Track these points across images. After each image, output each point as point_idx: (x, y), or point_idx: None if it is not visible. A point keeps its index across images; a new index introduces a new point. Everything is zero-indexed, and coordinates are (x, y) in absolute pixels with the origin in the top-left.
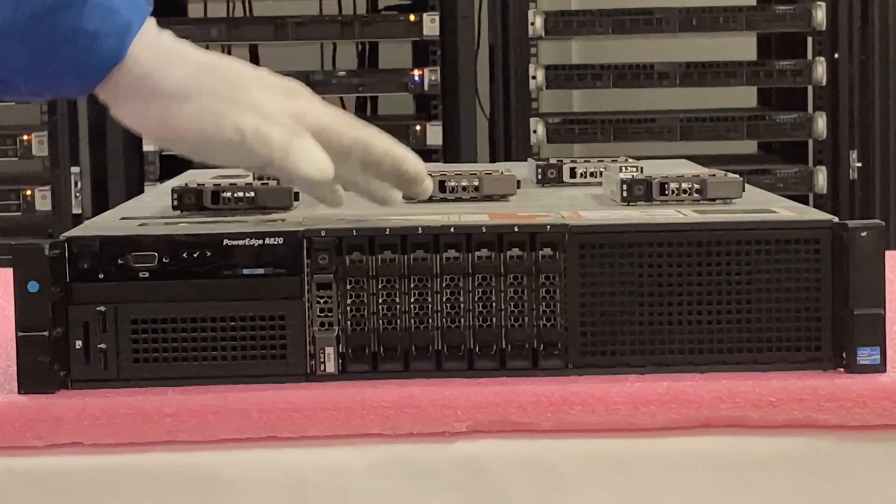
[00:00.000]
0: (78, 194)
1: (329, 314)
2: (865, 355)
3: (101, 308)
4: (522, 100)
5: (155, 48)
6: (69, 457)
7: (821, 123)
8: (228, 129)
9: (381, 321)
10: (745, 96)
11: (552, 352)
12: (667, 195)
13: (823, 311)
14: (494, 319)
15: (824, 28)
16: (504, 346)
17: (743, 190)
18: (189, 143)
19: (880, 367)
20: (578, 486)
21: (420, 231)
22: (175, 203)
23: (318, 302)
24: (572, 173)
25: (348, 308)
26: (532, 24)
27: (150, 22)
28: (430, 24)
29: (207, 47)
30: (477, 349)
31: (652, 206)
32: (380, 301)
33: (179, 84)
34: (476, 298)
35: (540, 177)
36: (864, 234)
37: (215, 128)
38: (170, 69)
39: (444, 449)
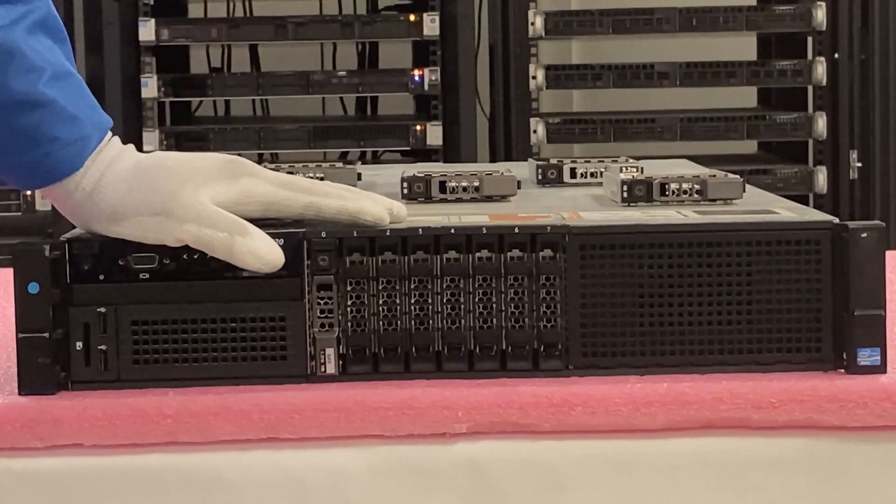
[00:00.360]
0: None
1: (329, 315)
2: (866, 356)
3: (102, 309)
4: (522, 100)
5: (96, 171)
6: (69, 458)
7: (821, 123)
8: (170, 240)
9: (381, 322)
10: (745, 96)
11: (553, 353)
12: (667, 196)
13: (824, 312)
14: (495, 320)
15: (824, 28)
16: (504, 348)
17: (743, 190)
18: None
19: (880, 368)
20: (579, 487)
21: (420, 232)
22: None
23: (319, 303)
24: (572, 173)
25: (349, 309)
26: (532, 24)
27: (108, 137)
28: (430, 24)
29: (207, 47)
30: (477, 350)
31: (652, 206)
32: (380, 302)
33: (112, 206)
34: (476, 299)
35: (540, 177)
36: (864, 234)
37: (156, 240)
38: (103, 190)
39: (445, 450)
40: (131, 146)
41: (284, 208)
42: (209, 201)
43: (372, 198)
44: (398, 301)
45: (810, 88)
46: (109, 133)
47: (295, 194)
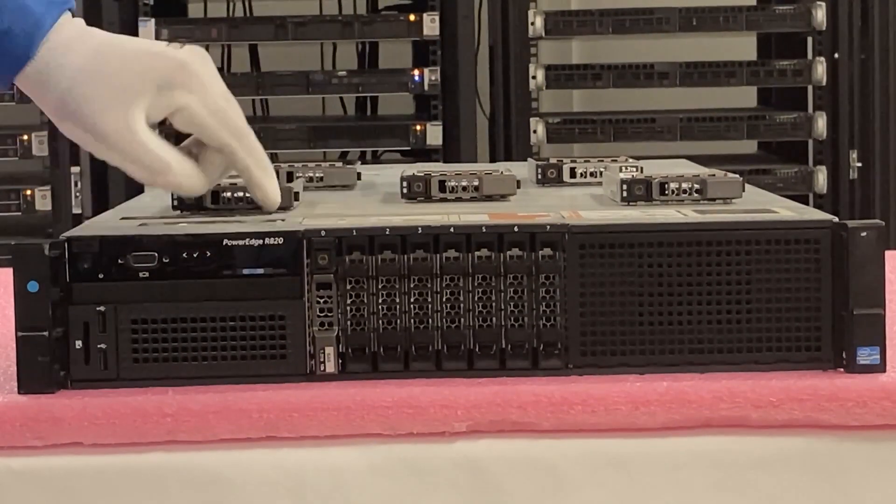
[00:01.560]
0: (78, 194)
1: (329, 314)
2: (865, 355)
3: (101, 308)
4: (522, 100)
5: (51, 52)
6: (69, 457)
7: (821, 123)
8: (100, 156)
9: (381, 321)
10: (745, 96)
11: (552, 352)
12: (667, 195)
13: (823, 311)
14: (494, 319)
15: (824, 28)
16: (504, 346)
17: (743, 190)
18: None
19: (880, 367)
20: (578, 485)
21: (420, 231)
22: (175, 203)
23: (318, 302)
24: (572, 173)
25: (348, 308)
26: (532, 24)
27: (66, 18)
28: (430, 24)
29: (207, 47)
30: (477, 349)
31: (652, 206)
32: (380, 301)
33: (53, 105)
34: (476, 298)
35: (540, 177)
36: (864, 234)
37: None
38: (48, 89)
39: (444, 449)
40: (94, 30)
41: (207, 134)
42: (139, 120)
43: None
44: (398, 300)
45: (810, 88)
46: (69, 14)
47: (220, 130)
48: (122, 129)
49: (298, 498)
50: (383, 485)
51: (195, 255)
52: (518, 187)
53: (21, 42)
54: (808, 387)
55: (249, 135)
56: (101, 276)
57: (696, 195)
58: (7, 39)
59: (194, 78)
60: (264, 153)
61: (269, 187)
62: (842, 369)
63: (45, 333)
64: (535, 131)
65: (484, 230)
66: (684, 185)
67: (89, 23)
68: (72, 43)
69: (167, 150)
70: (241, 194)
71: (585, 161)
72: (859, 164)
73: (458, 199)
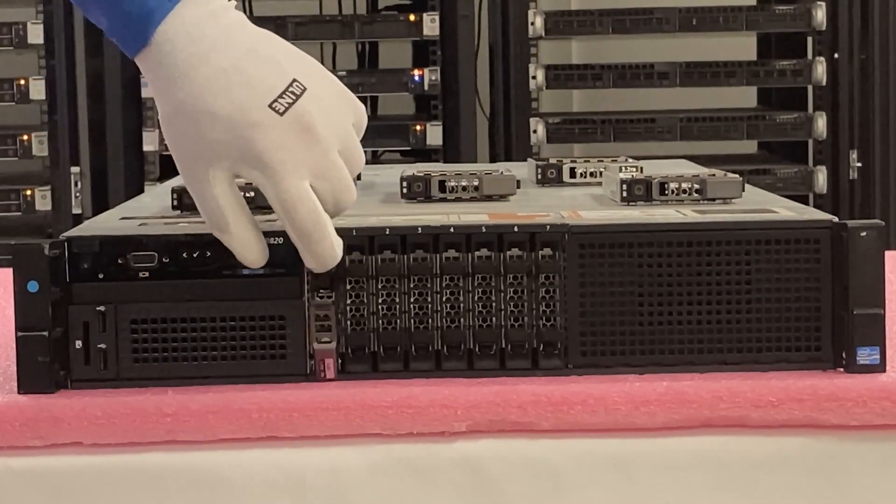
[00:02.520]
0: (78, 194)
1: (329, 314)
2: (865, 355)
3: (101, 308)
4: (522, 100)
5: (185, 34)
6: (69, 457)
7: (821, 123)
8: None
9: (380, 321)
10: (745, 96)
11: (552, 352)
12: (667, 195)
13: (823, 311)
14: (494, 319)
15: (824, 28)
16: (504, 346)
17: (743, 190)
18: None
19: (880, 367)
20: (578, 485)
21: (420, 231)
22: (175, 203)
23: (318, 302)
24: (572, 173)
25: (348, 308)
26: (532, 24)
27: (192, 3)
28: (430, 24)
29: None
30: (477, 349)
31: (652, 206)
32: (379, 301)
33: (163, 112)
34: (476, 298)
35: (540, 177)
36: (863, 234)
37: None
38: (168, 89)
39: (444, 449)
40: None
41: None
42: (213, 180)
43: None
44: (397, 300)
45: (810, 88)
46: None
47: (285, 224)
48: (204, 176)
49: (298, 498)
50: (383, 485)
51: (195, 255)
52: (518, 187)
53: (137, 29)
54: (807, 387)
55: (314, 234)
56: (101, 276)
57: (695, 195)
58: (130, 24)
59: (273, 168)
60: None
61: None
62: (842, 369)
63: (45, 333)
64: (535, 131)
65: (484, 230)
66: (684, 185)
67: (90, 23)
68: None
69: (233, 210)
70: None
71: (585, 161)
72: (859, 164)
73: (458, 199)
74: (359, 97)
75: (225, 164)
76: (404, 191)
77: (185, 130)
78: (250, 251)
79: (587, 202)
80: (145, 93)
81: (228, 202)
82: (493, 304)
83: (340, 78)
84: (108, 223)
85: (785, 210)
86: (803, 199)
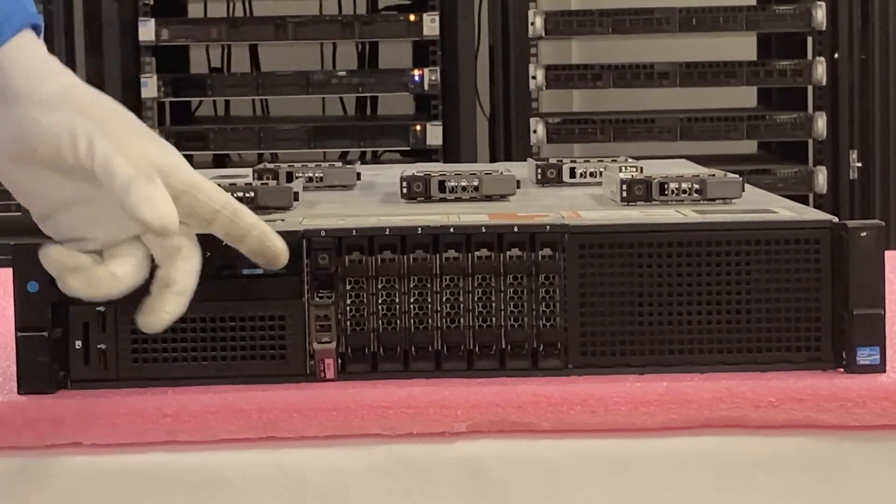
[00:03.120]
0: None
1: (328, 314)
2: (865, 355)
3: (101, 308)
4: (522, 100)
5: (31, 57)
6: (69, 457)
7: (821, 123)
8: (83, 148)
9: (380, 321)
10: (745, 96)
11: (552, 352)
12: (666, 195)
13: (823, 312)
14: (494, 319)
15: (824, 28)
16: (504, 347)
17: (743, 190)
18: (38, 176)
19: (880, 368)
20: (578, 486)
21: (420, 231)
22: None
23: (318, 302)
24: (572, 173)
25: (348, 308)
26: (532, 24)
27: (32, 36)
28: (430, 24)
29: (207, 47)
30: (476, 349)
31: (652, 206)
32: (379, 301)
33: (51, 94)
34: (476, 298)
35: (540, 177)
36: (863, 234)
37: (71, 145)
38: (45, 79)
39: (444, 449)
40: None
41: (203, 196)
42: (137, 147)
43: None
44: (397, 300)
45: (810, 88)
46: (33, 33)
47: (217, 188)
48: (126, 132)
49: (298, 498)
50: (383, 485)
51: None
52: (518, 187)
53: None
54: (807, 387)
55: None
56: None
57: (695, 195)
58: None
59: (177, 153)
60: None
61: (280, 240)
62: (841, 369)
63: (45, 333)
64: (535, 131)
65: (484, 230)
66: (684, 185)
67: (90, 23)
68: (50, 68)
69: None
70: (240, 194)
71: (585, 161)
72: (859, 164)
73: (458, 200)
74: (359, 97)
75: (144, 138)
76: (404, 191)
77: (89, 101)
78: (170, 207)
79: (587, 202)
80: (145, 93)
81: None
82: (493, 305)
83: (340, 78)
84: None
85: (785, 210)
86: (803, 199)
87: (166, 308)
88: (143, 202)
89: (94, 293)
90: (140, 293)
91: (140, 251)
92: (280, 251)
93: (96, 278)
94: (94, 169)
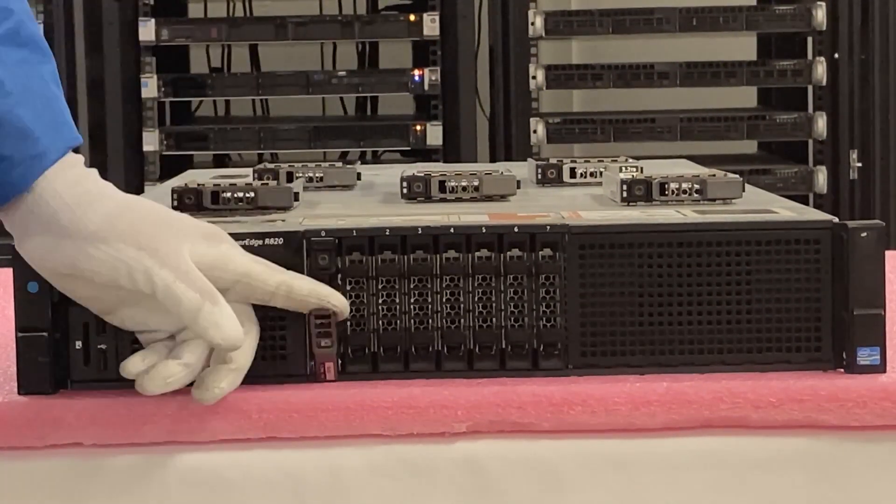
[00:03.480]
0: None
1: (329, 315)
2: (865, 356)
3: None
4: (522, 100)
5: (73, 185)
6: (69, 457)
7: (821, 123)
8: (141, 280)
9: (380, 322)
10: (745, 96)
11: (552, 352)
12: (667, 195)
13: (823, 312)
14: (494, 320)
15: (824, 28)
16: (504, 347)
17: (743, 190)
18: (97, 289)
19: (880, 368)
20: (578, 486)
21: (420, 231)
22: (175, 203)
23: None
24: (572, 173)
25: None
26: (532, 24)
27: (73, 157)
28: (430, 24)
29: (207, 47)
30: (477, 349)
31: (652, 206)
32: (379, 301)
33: (98, 225)
34: (476, 299)
35: (540, 177)
36: (864, 234)
37: (128, 277)
38: (89, 209)
39: (444, 449)
40: (108, 184)
41: (257, 283)
42: (190, 257)
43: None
44: (397, 300)
45: (810, 88)
46: (72, 153)
47: (270, 269)
48: (179, 252)
49: (298, 498)
50: (383, 485)
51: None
52: (518, 187)
53: (19, 170)
54: (807, 387)
55: (288, 271)
56: None
57: (696, 195)
58: (6, 165)
59: (227, 236)
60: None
61: (340, 297)
62: (842, 370)
63: (45, 334)
64: (535, 131)
65: (484, 230)
66: (684, 186)
67: (90, 23)
68: (94, 190)
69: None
70: (240, 195)
71: (585, 161)
72: (859, 164)
73: (458, 200)
74: (359, 97)
75: (192, 242)
76: (404, 191)
77: (145, 216)
78: (236, 324)
79: (587, 202)
80: (145, 93)
81: (206, 276)
82: (494, 305)
83: (340, 78)
84: None
85: (785, 210)
86: (803, 199)
87: (220, 384)
88: (211, 327)
89: (174, 387)
90: None
91: None
92: (340, 309)
93: (170, 374)
94: (157, 297)
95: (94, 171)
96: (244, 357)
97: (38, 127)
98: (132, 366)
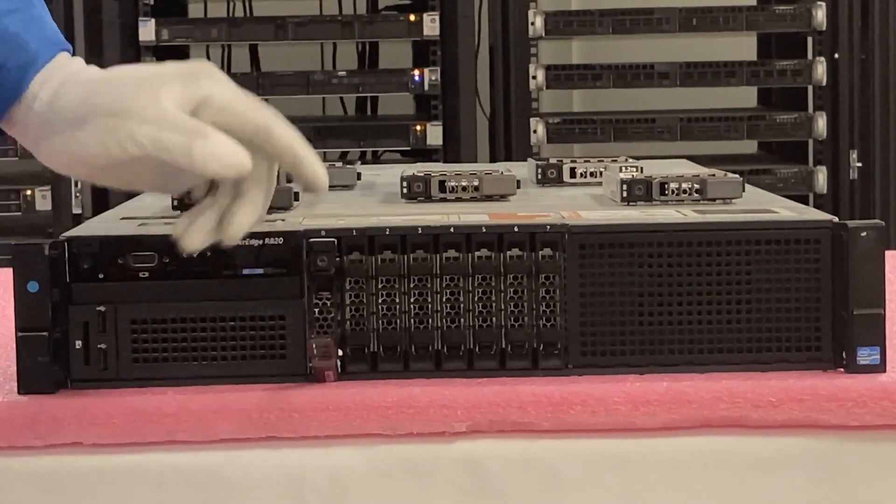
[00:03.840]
0: (78, 194)
1: (329, 314)
2: (865, 355)
3: (101, 308)
4: (522, 100)
5: (54, 80)
6: (69, 457)
7: (821, 123)
8: (129, 144)
9: (380, 321)
10: (745, 96)
11: (552, 352)
12: (667, 195)
13: (823, 311)
14: (494, 319)
15: (824, 28)
16: (504, 346)
17: (743, 190)
18: (103, 170)
19: (880, 367)
20: (578, 486)
21: (420, 231)
22: (175, 203)
23: (318, 302)
24: (572, 173)
25: (348, 308)
26: (532, 24)
27: (63, 57)
28: (430, 24)
29: (207, 47)
30: (477, 349)
31: (652, 206)
32: (379, 301)
33: (72, 110)
34: (476, 298)
35: (540, 177)
36: (864, 234)
37: (117, 147)
38: (63, 97)
39: (444, 449)
40: (95, 67)
41: (239, 116)
42: (169, 103)
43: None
44: (397, 300)
45: (810, 88)
46: (68, 54)
47: (254, 106)
48: (155, 102)
49: (298, 498)
50: (383, 485)
51: (195, 255)
52: (518, 187)
53: (14, 76)
54: (807, 387)
55: (279, 116)
56: (100, 276)
57: (696, 195)
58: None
59: (215, 72)
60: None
61: (317, 163)
62: (842, 369)
63: (45, 333)
64: (535, 131)
65: (484, 230)
66: (684, 186)
67: (90, 23)
68: (87, 67)
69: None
70: None
71: (585, 161)
72: (859, 164)
73: (458, 199)
74: (359, 97)
75: (169, 89)
76: (404, 191)
77: (108, 89)
78: (235, 148)
79: (587, 202)
80: None
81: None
82: (493, 305)
83: (340, 78)
84: (108, 223)
85: (785, 210)
86: (803, 199)
87: (236, 217)
88: (210, 162)
89: (205, 234)
90: (140, 293)
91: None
92: (310, 180)
93: (203, 224)
94: (151, 155)
95: (79, 62)
96: (257, 187)
97: (31, 36)
98: (177, 226)
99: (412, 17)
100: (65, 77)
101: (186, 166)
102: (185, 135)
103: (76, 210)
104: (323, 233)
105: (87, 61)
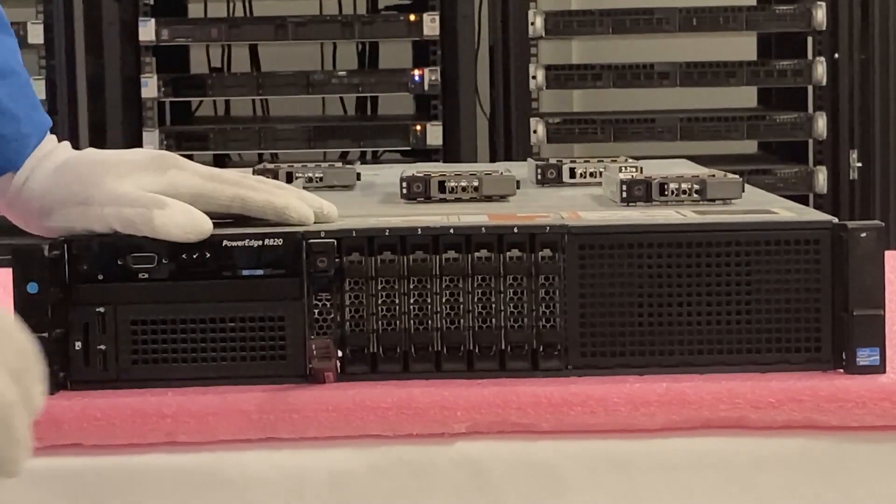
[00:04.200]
0: None
1: (328, 315)
2: (865, 356)
3: (101, 309)
4: (522, 100)
5: (31, 162)
6: (69, 458)
7: (821, 123)
8: (97, 226)
9: (380, 322)
10: (745, 96)
11: (552, 353)
12: (666, 196)
13: (823, 312)
14: (494, 320)
15: (824, 28)
16: (504, 347)
17: (743, 190)
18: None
19: (880, 368)
20: (578, 486)
21: (419, 232)
22: None
23: (318, 303)
24: (572, 173)
25: (347, 309)
26: (532, 24)
27: (46, 136)
28: (430, 24)
29: (207, 47)
30: (476, 350)
31: (651, 206)
32: (379, 302)
33: (38, 200)
34: (475, 299)
35: (540, 177)
36: (863, 234)
37: (85, 229)
38: (31, 185)
39: (444, 450)
40: (66, 143)
41: (211, 200)
42: (132, 188)
43: (301, 196)
44: (397, 301)
45: (810, 88)
46: (48, 133)
47: (222, 186)
48: (117, 187)
49: (298, 499)
50: (383, 485)
51: (195, 257)
52: (518, 187)
53: (11, 149)
54: (807, 388)
55: (245, 177)
56: (100, 277)
57: (695, 196)
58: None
59: (177, 158)
60: (269, 181)
61: (297, 206)
62: (841, 370)
63: (45, 334)
64: (535, 131)
65: (484, 231)
66: (684, 186)
67: (90, 23)
68: (56, 149)
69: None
70: None
71: (585, 161)
72: (859, 164)
73: (458, 200)
74: (359, 97)
75: (135, 177)
76: (404, 191)
77: (79, 171)
78: (194, 215)
79: (587, 202)
80: (145, 93)
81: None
82: (493, 306)
83: (340, 78)
84: None
85: (785, 211)
86: (803, 200)
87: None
88: (170, 227)
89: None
90: (140, 294)
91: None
92: (299, 222)
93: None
94: (122, 232)
95: (52, 144)
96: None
97: (21, 109)
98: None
99: (412, 17)
100: (35, 164)
101: (150, 234)
102: (145, 206)
103: None
104: (322, 234)
105: (87, 62)
